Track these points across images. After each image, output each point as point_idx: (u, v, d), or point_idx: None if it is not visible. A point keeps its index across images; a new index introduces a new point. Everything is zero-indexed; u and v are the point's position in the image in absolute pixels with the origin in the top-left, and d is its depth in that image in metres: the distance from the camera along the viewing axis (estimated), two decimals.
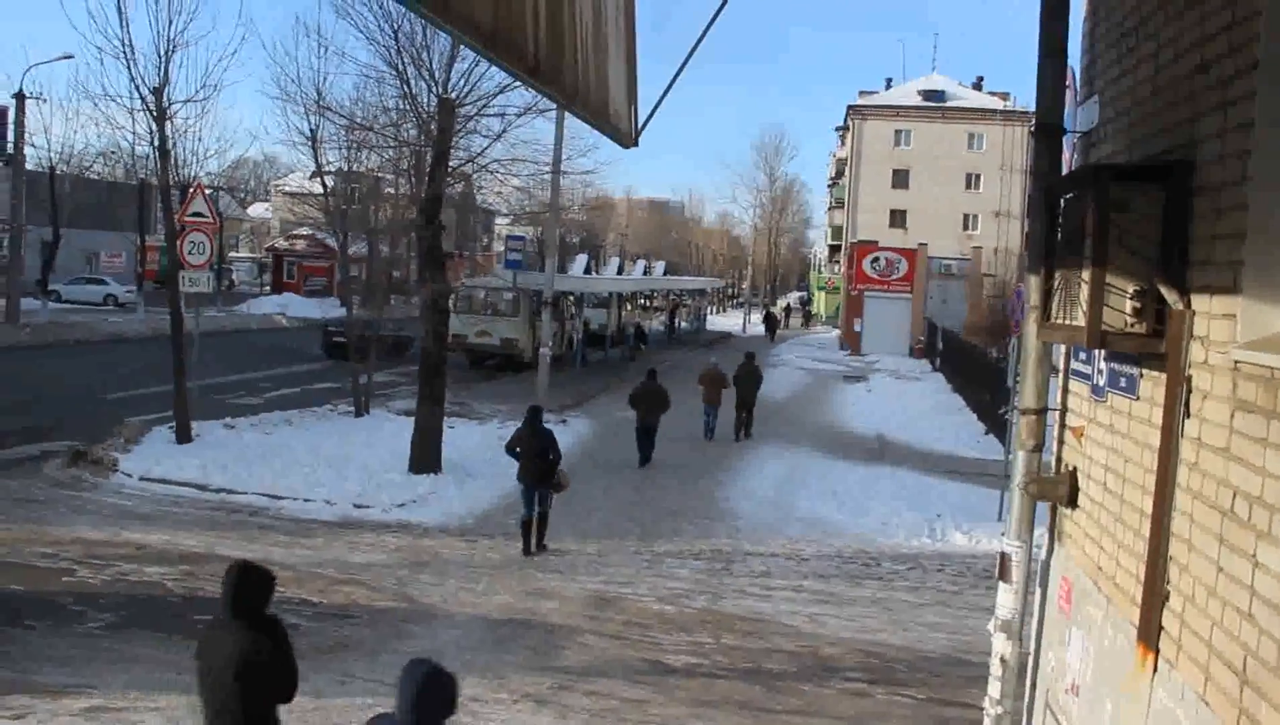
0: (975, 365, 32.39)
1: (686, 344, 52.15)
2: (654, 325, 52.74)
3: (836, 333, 63.33)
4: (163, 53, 19.19)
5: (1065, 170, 6.03)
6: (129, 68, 19.13)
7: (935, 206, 74.27)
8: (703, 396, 24.74)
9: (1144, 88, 4.82)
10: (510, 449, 15.06)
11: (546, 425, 15.42)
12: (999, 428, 22.10)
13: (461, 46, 18.64)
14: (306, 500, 16.62)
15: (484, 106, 19.77)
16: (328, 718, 9.07)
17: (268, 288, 68.63)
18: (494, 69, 18.74)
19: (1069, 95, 6.24)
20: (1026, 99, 76.56)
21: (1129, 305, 4.35)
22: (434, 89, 19.37)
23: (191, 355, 20.24)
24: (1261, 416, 3.44)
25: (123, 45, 19.01)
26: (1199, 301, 4.08)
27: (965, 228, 74.81)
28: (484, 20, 3.41)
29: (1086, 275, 4.46)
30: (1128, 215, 4.29)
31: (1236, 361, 3.66)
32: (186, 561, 13.21)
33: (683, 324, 58.89)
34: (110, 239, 55.52)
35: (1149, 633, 4.30)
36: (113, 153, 44.79)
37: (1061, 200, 5.35)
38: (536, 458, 14.67)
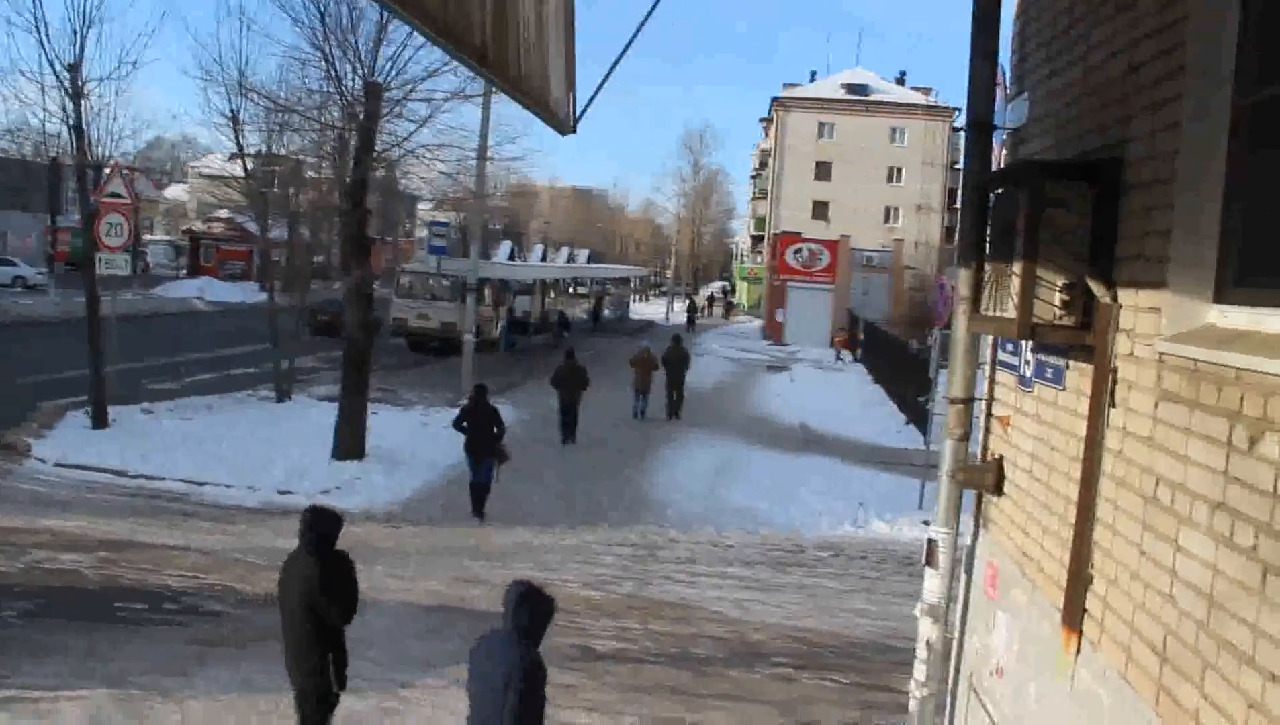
0: (897, 357, 32.88)
1: (611, 332, 52.26)
2: (578, 313, 52.70)
3: (759, 323, 63.81)
4: (78, 28, 18.77)
5: (994, 165, 6.18)
6: (41, 42, 18.69)
7: (858, 199, 75.16)
8: (633, 380, 26.18)
9: (1074, 88, 4.96)
10: (458, 423, 16.33)
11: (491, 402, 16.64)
12: (920, 418, 22.50)
13: (389, 29, 18.51)
14: (228, 487, 16.41)
15: (411, 91, 19.61)
16: (254, 705, 8.99)
17: (184, 271, 67.29)
18: (420, 53, 18.67)
19: (999, 93, 6.39)
20: (948, 94, 78.00)
21: (1058, 298, 4.48)
22: (360, 72, 19.16)
23: (108, 339, 19.81)
24: (1185, 407, 3.58)
25: (35, 19, 18.57)
26: (1125, 295, 4.21)
27: (887, 221, 75.85)
28: (434, 8, 3.42)
29: (1017, 268, 4.58)
30: (1058, 211, 4.42)
31: (1161, 353, 3.79)
32: (104, 548, 12.96)
33: (606, 312, 58.93)
34: (19, 220, 54.09)
35: (1073, 615, 4.44)
36: (20, 130, 43.61)
37: (992, 195, 5.48)
38: (483, 431, 15.91)
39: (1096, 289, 4.36)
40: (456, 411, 17.59)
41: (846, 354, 46.35)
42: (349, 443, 18.46)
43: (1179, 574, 3.54)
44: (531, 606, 5.48)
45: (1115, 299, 4.28)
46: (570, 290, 53.59)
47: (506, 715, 5.26)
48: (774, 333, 54.55)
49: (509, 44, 4.61)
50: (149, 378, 25.41)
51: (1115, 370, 4.24)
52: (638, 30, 6.41)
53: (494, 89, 13.97)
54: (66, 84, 19.00)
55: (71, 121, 19.31)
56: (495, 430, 16.09)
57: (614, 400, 26.23)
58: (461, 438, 16.27)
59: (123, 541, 13.36)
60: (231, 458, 17.66)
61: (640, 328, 56.36)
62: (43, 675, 9.32)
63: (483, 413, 16.17)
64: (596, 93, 6.47)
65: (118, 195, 20.10)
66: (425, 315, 35.98)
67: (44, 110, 20.10)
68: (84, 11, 18.72)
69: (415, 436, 20.96)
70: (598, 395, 22.06)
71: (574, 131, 6.54)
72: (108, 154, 20.95)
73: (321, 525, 7.26)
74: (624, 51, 6.06)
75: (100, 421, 18.94)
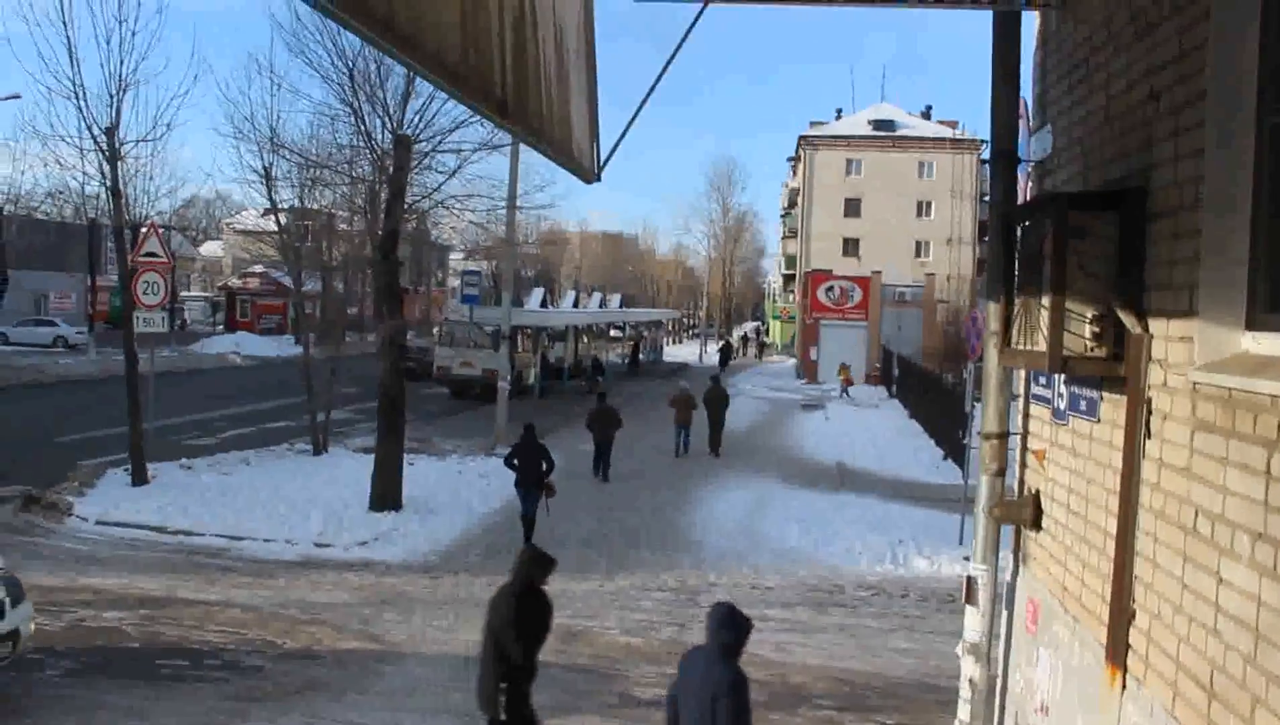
0: (932, 391, 32.66)
1: (647, 375, 52.25)
2: (610, 357, 52.77)
3: (792, 362, 63.61)
4: (114, 92, 19.09)
5: (1020, 198, 6.16)
6: (80, 108, 19.03)
7: (887, 234, 75.08)
8: (674, 417, 26.88)
9: (1096, 116, 4.94)
10: (509, 461, 17.26)
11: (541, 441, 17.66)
12: (957, 453, 22.29)
13: (416, 83, 18.72)
14: (267, 540, 16.45)
15: (439, 143, 19.81)
16: None
17: (221, 327, 68.03)
18: (448, 105, 18.86)
19: (1022, 124, 6.38)
20: (974, 127, 77.94)
21: (1088, 329, 4.44)
22: (389, 125, 19.39)
23: (146, 396, 20.01)
24: (1221, 436, 3.53)
25: (73, 85, 18.90)
26: (1156, 325, 4.17)
27: (918, 254, 75.68)
28: (452, 60, 3.45)
29: (1046, 301, 4.55)
30: (1085, 241, 4.39)
31: (1195, 383, 3.74)
32: (145, 605, 13.02)
33: (642, 356, 59.00)
34: (60, 280, 54.87)
35: (1117, 650, 4.37)
36: (60, 193, 44.37)
37: (1019, 227, 5.45)
38: (533, 466, 16.89)
39: (1126, 319, 4.32)
40: (494, 458, 19.04)
41: (853, 391, 45.40)
42: (385, 493, 18.50)
43: (1222, 607, 3.47)
44: (734, 626, 6.14)
45: (1146, 329, 4.24)
46: (606, 334, 53.77)
47: None
48: (808, 371, 54.34)
49: (530, 95, 4.65)
50: (187, 434, 25.65)
51: (1149, 401, 4.19)
52: (659, 78, 6.45)
53: (519, 140, 14.13)
54: (104, 147, 19.33)
55: (109, 183, 19.63)
56: (544, 466, 16.93)
57: (653, 439, 27.17)
58: (510, 475, 17.19)
59: (163, 598, 13.43)
60: (269, 512, 17.74)
61: (675, 370, 56.35)
62: None
63: (532, 450, 17.03)
64: (619, 141, 6.51)
65: (154, 254, 20.39)
66: (468, 362, 36.78)
67: (83, 173, 20.46)
68: (119, 76, 19.08)
69: (451, 485, 20.98)
70: (640, 434, 22.15)
71: (599, 179, 6.58)
72: (144, 214, 21.29)
73: (531, 569, 7.73)
74: (645, 100, 6.09)
75: (140, 478, 19.10)
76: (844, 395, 44.44)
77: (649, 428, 27.99)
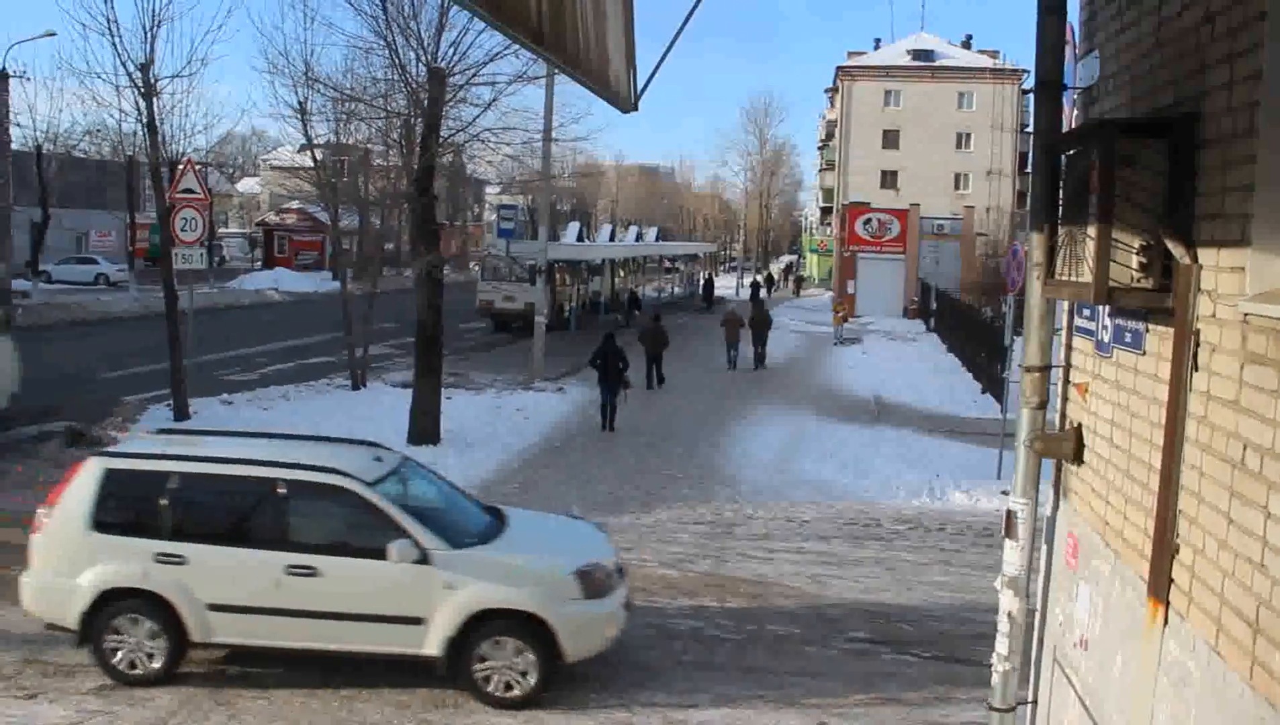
0: (970, 325, 32.44)
1: (691, 310, 52.08)
2: (647, 291, 52.63)
3: (829, 295, 63.28)
4: (148, 28, 19.07)
5: (1064, 127, 6.01)
6: (114, 44, 19.04)
7: (926, 166, 74.16)
8: (725, 336, 31.92)
9: (1146, 41, 4.80)
10: (592, 361, 21.59)
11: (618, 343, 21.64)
12: (995, 387, 22.18)
13: (450, 15, 18.55)
14: None
15: (474, 75, 19.63)
16: (337, 694, 9.14)
17: (259, 263, 68.43)
18: (482, 37, 18.69)
19: (1068, 51, 6.21)
20: (1016, 56, 76.55)
21: (1135, 260, 4.34)
22: (423, 59, 19.23)
23: (187, 333, 20.20)
24: (1272, 368, 3.45)
25: (107, 21, 18.90)
26: (1206, 255, 4.07)
27: (957, 187, 74.74)
28: None
29: (1091, 231, 4.46)
30: (1133, 170, 4.28)
31: (1246, 314, 3.66)
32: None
33: (676, 290, 58.89)
34: (100, 218, 55.34)
35: (1159, 586, 4.32)
36: (99, 131, 44.63)
37: (1063, 157, 5.33)
38: (611, 366, 21.04)
39: (1175, 249, 4.22)
40: (530, 392, 23.45)
41: (843, 330, 40.86)
42: (424, 427, 18.63)
43: (1270, 542, 3.42)
44: None
45: (1195, 259, 4.14)
46: (644, 267, 53.67)
47: None
48: (847, 305, 54.06)
49: (566, 22, 4.57)
50: (228, 369, 25.93)
51: (1197, 333, 4.10)
52: (695, 5, 6.33)
53: (555, 70, 13.98)
54: (139, 83, 19.33)
55: (145, 120, 19.65)
56: (621, 365, 21.04)
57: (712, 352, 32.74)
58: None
59: None
60: None
61: (715, 302, 56.31)
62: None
63: (611, 353, 21.06)
64: (657, 69, 6.41)
65: (191, 191, 20.42)
66: (510, 296, 37.34)
67: (119, 111, 20.53)
68: (153, 11, 19.03)
69: (489, 419, 21.12)
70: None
71: (635, 109, 6.49)
72: (181, 151, 21.32)
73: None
74: (682, 27, 5.99)
75: (181, 414, 19.33)
76: (838, 339, 39.70)
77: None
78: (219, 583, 9.05)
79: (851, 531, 14.91)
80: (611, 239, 58.12)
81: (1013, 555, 6.07)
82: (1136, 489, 4.75)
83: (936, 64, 78.23)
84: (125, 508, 9.45)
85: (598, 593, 9.23)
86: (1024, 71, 69.72)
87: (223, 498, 9.61)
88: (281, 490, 9.28)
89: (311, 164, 28.24)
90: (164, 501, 9.29)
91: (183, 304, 20.34)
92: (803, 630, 11.01)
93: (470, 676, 8.97)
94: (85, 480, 9.37)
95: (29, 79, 46.03)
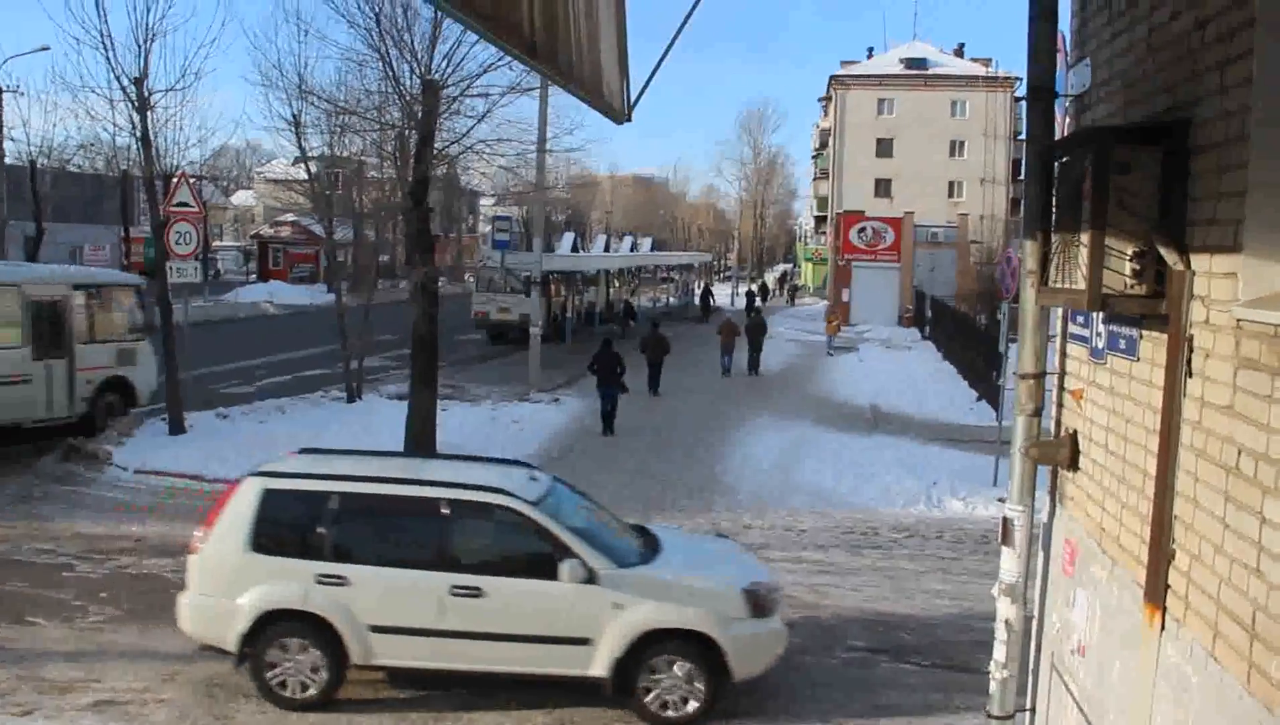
0: (966, 333, 32.47)
1: (687, 319, 51.99)
2: (642, 301, 52.61)
3: (825, 304, 63.29)
4: (142, 41, 19.08)
5: (1056, 135, 6.03)
6: (108, 58, 19.04)
7: (920, 174, 74.27)
8: (720, 343, 32.19)
9: (1138, 47, 4.81)
10: (591, 366, 22.55)
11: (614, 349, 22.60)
12: (991, 394, 22.18)
13: (443, 27, 18.55)
14: None
15: (468, 87, 19.61)
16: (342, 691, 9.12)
17: (254, 276, 68.37)
18: (476, 48, 18.68)
19: (1059, 59, 6.24)
20: (1008, 64, 76.72)
21: (1129, 267, 4.36)
22: (417, 71, 19.23)
23: (182, 346, 20.17)
24: (1266, 373, 3.46)
25: (101, 35, 18.90)
26: (1199, 261, 4.09)
27: (951, 195, 74.87)
28: (482, 2, 3.40)
29: (1085, 238, 4.47)
30: (1126, 176, 4.30)
31: (1239, 319, 3.67)
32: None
33: (671, 300, 58.86)
34: (94, 232, 55.20)
35: (1156, 591, 4.33)
36: (93, 145, 44.59)
37: (1056, 164, 5.35)
38: (609, 370, 22.03)
39: (1168, 255, 4.23)
40: (527, 404, 23.82)
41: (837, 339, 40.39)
42: (420, 439, 18.56)
43: (1265, 546, 3.42)
44: None
45: (1188, 265, 4.15)
46: (638, 278, 53.66)
47: None
48: (841, 313, 54.07)
49: (559, 34, 4.58)
50: (223, 382, 25.86)
51: (1191, 338, 4.11)
52: (688, 16, 6.36)
53: (549, 81, 14.02)
54: (133, 97, 19.33)
55: (139, 134, 19.65)
56: (618, 369, 22.02)
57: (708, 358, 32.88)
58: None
59: None
60: None
61: (710, 311, 56.33)
62: (131, 679, 9.54)
63: (608, 357, 22.09)
64: (650, 80, 6.43)
65: (186, 204, 20.41)
66: (506, 308, 37.38)
67: (113, 124, 20.54)
68: (146, 25, 19.03)
69: (485, 431, 21.09)
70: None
71: (629, 120, 6.51)
72: (175, 164, 21.31)
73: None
74: (674, 39, 6.01)
75: (177, 427, 19.29)
76: (830, 350, 39.04)
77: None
78: (381, 604, 8.97)
79: (850, 540, 14.91)
80: (606, 249, 58.12)
81: (1010, 562, 6.08)
82: (1132, 495, 4.75)
83: (929, 72, 78.40)
84: (285, 528, 9.37)
85: (763, 611, 9.22)
86: (1017, 79, 69.83)
87: (384, 518, 9.52)
88: (445, 510, 9.21)
89: (306, 176, 28.24)
90: (324, 522, 9.23)
91: (178, 317, 20.31)
92: (802, 639, 10.97)
93: (638, 698, 8.94)
94: (243, 501, 9.29)
95: (23, 93, 46.08)
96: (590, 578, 8.84)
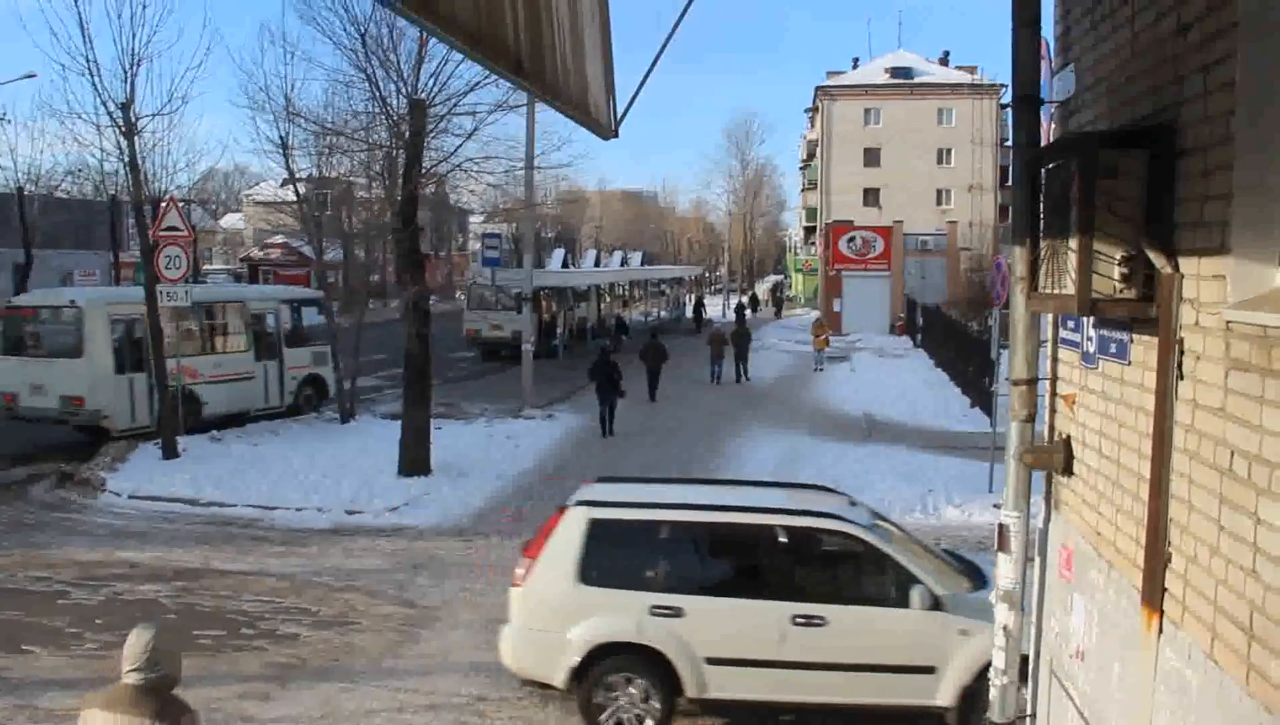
0: (958, 340, 32.49)
1: (679, 332, 51.99)
2: (634, 315, 52.60)
3: (816, 314, 63.35)
4: (128, 67, 19.04)
5: (1043, 141, 6.06)
6: (94, 84, 18.98)
7: (908, 183, 74.50)
8: (710, 353, 33.48)
9: (1122, 52, 4.84)
10: (590, 374, 23.80)
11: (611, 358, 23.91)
12: (985, 400, 22.20)
13: (429, 46, 18.61)
14: (299, 509, 16.56)
15: (455, 105, 19.68)
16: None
17: None
18: (462, 67, 18.75)
19: (1044, 65, 6.26)
20: (994, 72, 76.96)
21: (1117, 271, 4.37)
22: (403, 90, 19.28)
23: (173, 370, 20.12)
24: (1256, 374, 3.47)
25: (87, 61, 18.85)
26: (1187, 264, 4.10)
27: (939, 203, 75.06)
28: (466, 20, 3.41)
29: (1073, 243, 4.48)
30: (1113, 181, 4.31)
31: (1229, 322, 3.68)
32: (181, 577, 13.18)
33: (663, 314, 58.88)
34: (84, 257, 55.08)
35: (1153, 595, 4.33)
36: (80, 171, 44.53)
37: (1043, 170, 5.37)
38: (606, 377, 23.20)
39: (1156, 259, 4.24)
40: (521, 421, 24.23)
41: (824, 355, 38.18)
42: (415, 458, 18.56)
43: (1261, 547, 3.43)
44: None
45: (1177, 268, 4.16)
46: (630, 292, 53.64)
47: None
48: (832, 323, 54.12)
49: (545, 52, 4.59)
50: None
51: (1181, 341, 4.12)
52: (672, 32, 6.38)
53: (536, 99, 14.07)
54: (120, 122, 19.30)
55: (126, 159, 19.63)
56: (615, 376, 23.20)
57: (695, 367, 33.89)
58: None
59: (198, 569, 13.60)
60: (299, 480, 17.85)
61: (702, 324, 56.38)
62: None
63: (605, 365, 23.25)
64: (636, 95, 6.45)
65: (175, 228, 20.38)
66: (498, 326, 37.36)
67: (100, 150, 20.44)
68: (132, 50, 19.01)
69: (480, 448, 21.07)
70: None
71: (616, 135, 6.52)
72: (163, 188, 21.27)
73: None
74: (660, 53, 6.03)
75: (170, 452, 19.24)
76: (818, 366, 37.55)
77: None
78: (718, 635, 8.74)
79: None
80: (596, 264, 58.13)
81: (1006, 569, 6.08)
82: (1127, 498, 4.76)
83: (915, 81, 78.70)
84: (614, 559, 9.09)
85: None
86: (1002, 86, 70.16)
87: (717, 546, 9.36)
88: (782, 538, 9.04)
89: (295, 198, 28.22)
90: (655, 551, 9.10)
91: (169, 342, 20.25)
92: None
93: None
94: (570, 532, 9.07)
95: (10, 121, 45.92)
96: (936, 604, 8.60)
